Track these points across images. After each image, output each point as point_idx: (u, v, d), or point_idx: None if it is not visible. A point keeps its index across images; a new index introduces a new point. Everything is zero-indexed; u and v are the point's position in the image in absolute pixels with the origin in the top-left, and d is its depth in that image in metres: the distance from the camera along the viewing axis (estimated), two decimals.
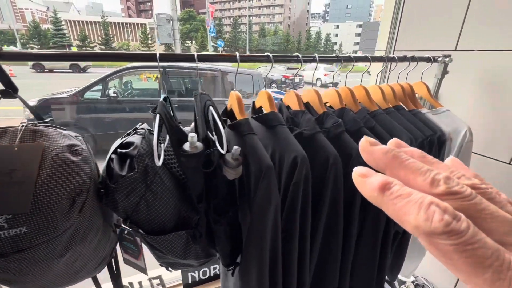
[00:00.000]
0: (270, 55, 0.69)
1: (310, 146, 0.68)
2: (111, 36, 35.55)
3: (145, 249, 0.63)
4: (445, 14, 1.15)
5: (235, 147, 0.61)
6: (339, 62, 0.80)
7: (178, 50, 10.51)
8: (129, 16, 69.15)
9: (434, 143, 0.78)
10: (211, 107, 0.56)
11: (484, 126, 1.06)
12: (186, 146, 0.57)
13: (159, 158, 0.48)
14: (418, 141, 0.76)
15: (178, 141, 0.57)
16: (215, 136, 0.56)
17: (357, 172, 0.17)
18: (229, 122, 0.67)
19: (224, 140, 0.52)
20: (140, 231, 0.58)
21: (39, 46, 31.09)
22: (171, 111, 0.66)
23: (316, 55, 0.76)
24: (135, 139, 0.57)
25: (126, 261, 0.65)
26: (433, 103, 0.97)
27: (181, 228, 0.60)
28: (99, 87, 4.17)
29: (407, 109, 0.90)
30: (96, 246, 0.61)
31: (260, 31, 46.34)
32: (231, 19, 51.85)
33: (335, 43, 53.99)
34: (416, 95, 1.01)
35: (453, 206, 0.13)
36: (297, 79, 13.43)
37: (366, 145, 0.18)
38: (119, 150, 0.56)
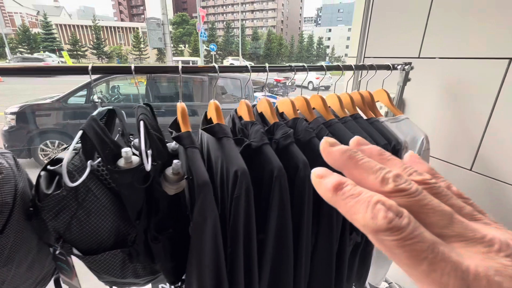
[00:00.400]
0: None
1: (257, 158, 0.67)
2: (102, 40, 35.28)
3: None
4: (408, 22, 1.16)
5: (175, 161, 0.59)
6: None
7: (169, 54, 10.48)
8: (122, 20, 68.80)
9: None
10: (141, 122, 0.55)
11: (446, 132, 1.07)
12: (121, 161, 0.56)
13: (75, 176, 0.46)
14: None
15: (115, 156, 0.55)
16: (149, 151, 0.54)
17: (315, 173, 0.17)
18: (174, 134, 0.65)
19: (144, 155, 0.51)
20: (75, 250, 0.56)
21: (28, 50, 30.63)
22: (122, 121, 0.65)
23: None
24: (67, 154, 0.55)
25: (64, 281, 0.63)
26: (393, 111, 0.97)
27: (119, 246, 0.58)
28: (84, 92, 4.10)
29: (365, 118, 0.90)
30: (29, 267, 0.58)
31: (253, 35, 46.61)
32: (224, 23, 52.05)
33: (328, 47, 54.58)
34: (378, 102, 1.01)
35: (400, 202, 0.14)
36: (289, 83, 13.54)
37: (326, 145, 0.18)
38: (48, 166, 0.54)
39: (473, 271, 0.12)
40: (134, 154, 0.57)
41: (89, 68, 0.55)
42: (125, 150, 0.55)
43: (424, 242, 0.13)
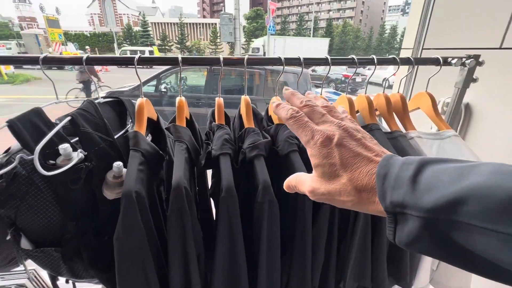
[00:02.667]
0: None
1: (216, 170, 0.56)
2: (186, 35, 39.32)
3: None
4: (490, 4, 0.82)
5: (116, 163, 0.53)
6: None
7: (237, 48, 10.89)
8: (204, 17, 75.10)
9: None
10: (69, 117, 0.50)
11: None
12: (59, 158, 0.53)
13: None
14: None
15: (53, 153, 0.52)
16: (77, 152, 0.49)
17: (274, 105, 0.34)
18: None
19: (36, 156, 0.45)
20: (23, 240, 0.57)
21: (130, 45, 36.67)
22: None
23: (329, 57, 0.63)
24: (16, 144, 0.55)
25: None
26: (437, 123, 0.69)
27: (58, 244, 0.56)
28: (154, 82, 4.60)
29: (389, 130, 0.67)
30: None
31: (326, 27, 44.22)
32: (298, 15, 50.94)
33: None
34: (419, 110, 0.74)
35: (303, 110, 0.31)
36: (359, 79, 12.35)
37: (272, 107, 0.35)
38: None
39: (318, 129, 0.29)
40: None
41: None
42: (63, 147, 0.51)
43: (303, 120, 0.30)
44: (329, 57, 0.64)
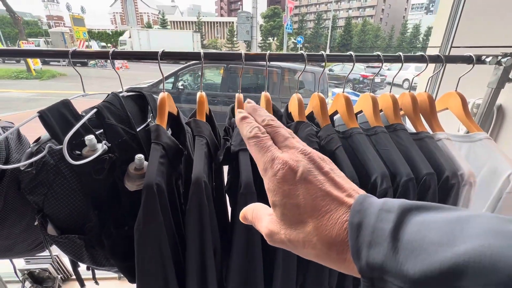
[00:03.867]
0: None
1: (236, 166, 0.56)
2: (203, 34, 39.80)
3: None
4: None
5: (137, 156, 0.55)
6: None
7: (254, 47, 10.89)
8: (221, 15, 75.69)
9: (431, 187, 0.52)
10: (95, 110, 0.51)
11: None
12: (85, 149, 0.54)
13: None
14: (402, 180, 0.52)
15: (79, 144, 0.54)
16: (101, 144, 0.51)
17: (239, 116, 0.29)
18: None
19: (65, 147, 0.46)
20: (49, 227, 0.59)
21: None
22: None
23: (353, 53, 0.62)
24: (46, 134, 0.57)
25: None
26: (467, 125, 0.65)
27: (82, 232, 0.58)
28: (172, 79, 4.70)
29: (414, 130, 0.64)
30: (25, 229, 0.65)
31: (345, 26, 43.27)
32: (316, 14, 50.20)
33: None
34: (447, 110, 0.71)
35: (267, 130, 0.27)
36: (377, 79, 11.99)
37: (237, 117, 0.29)
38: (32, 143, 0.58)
39: (279, 157, 0.24)
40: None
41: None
42: (89, 138, 0.53)
43: (266, 143, 0.25)
44: (353, 54, 0.62)
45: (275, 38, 41.81)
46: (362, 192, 0.23)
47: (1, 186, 0.57)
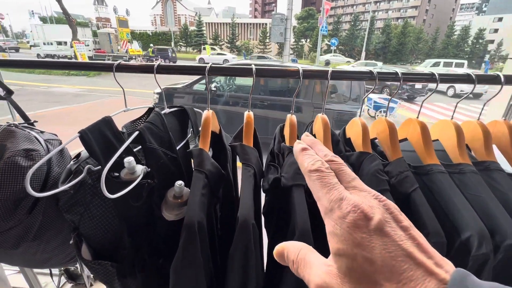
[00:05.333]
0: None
1: (285, 202, 0.48)
2: (236, 35, 40.50)
3: None
4: None
5: (178, 182, 0.49)
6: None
7: (287, 49, 10.78)
8: (255, 17, 76.44)
9: None
10: (137, 132, 0.46)
11: None
12: (123, 171, 0.50)
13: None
14: (505, 242, 0.40)
15: (118, 164, 0.50)
16: (140, 167, 0.46)
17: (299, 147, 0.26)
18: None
19: (103, 174, 0.41)
20: (83, 249, 0.57)
21: (185, 44, 39.25)
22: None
23: (399, 71, 0.53)
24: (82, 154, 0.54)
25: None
26: None
27: (114, 258, 0.54)
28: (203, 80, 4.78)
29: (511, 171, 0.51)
30: (61, 244, 0.64)
31: (383, 28, 41.12)
32: (352, 15, 48.42)
33: (492, 42, 41.10)
34: None
35: (330, 165, 0.23)
36: (418, 85, 11.14)
37: (296, 149, 0.27)
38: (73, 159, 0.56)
39: (349, 198, 0.20)
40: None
41: (155, 67, 0.52)
42: (128, 160, 0.49)
43: (331, 180, 0.21)
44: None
45: (308, 40, 41.13)
46: (449, 262, 0.18)
47: (40, 202, 0.55)
